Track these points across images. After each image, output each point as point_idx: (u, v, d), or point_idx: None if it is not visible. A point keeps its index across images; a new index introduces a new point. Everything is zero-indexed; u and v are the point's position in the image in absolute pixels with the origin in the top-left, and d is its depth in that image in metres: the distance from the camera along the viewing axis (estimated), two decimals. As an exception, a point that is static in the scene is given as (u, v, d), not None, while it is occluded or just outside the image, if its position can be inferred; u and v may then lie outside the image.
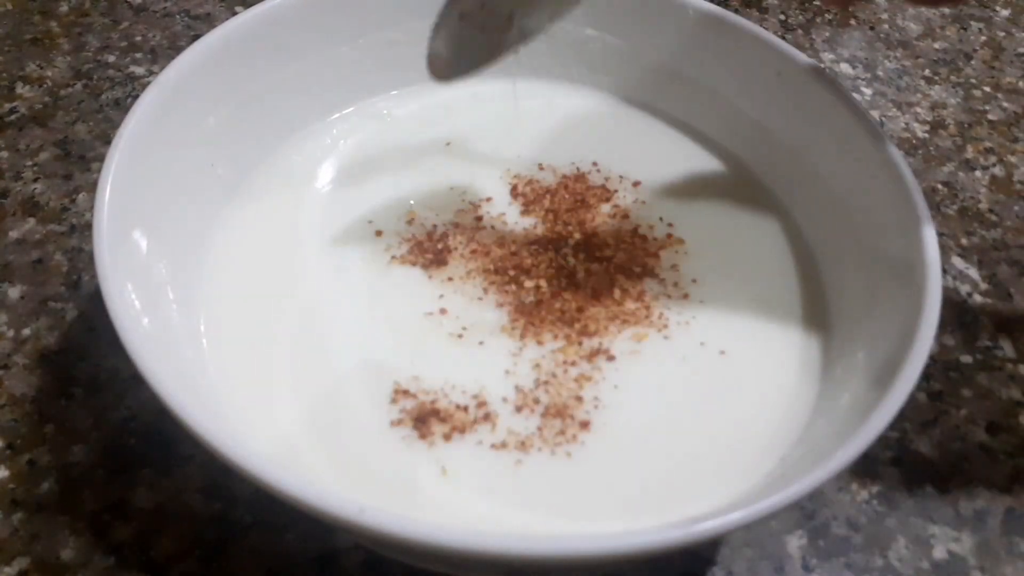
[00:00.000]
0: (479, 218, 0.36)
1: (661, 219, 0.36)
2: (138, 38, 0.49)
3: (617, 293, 0.33)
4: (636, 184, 0.37)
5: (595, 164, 0.38)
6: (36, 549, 0.30)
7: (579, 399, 0.30)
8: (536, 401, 0.30)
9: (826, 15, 0.55)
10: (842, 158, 0.35)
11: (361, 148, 0.38)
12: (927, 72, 0.52)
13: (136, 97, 0.31)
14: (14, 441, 0.33)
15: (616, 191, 0.37)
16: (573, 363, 0.31)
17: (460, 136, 0.39)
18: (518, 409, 0.29)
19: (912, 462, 0.35)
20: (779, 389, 0.31)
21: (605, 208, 0.36)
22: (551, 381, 0.30)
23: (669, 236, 0.36)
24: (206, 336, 0.31)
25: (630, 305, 0.33)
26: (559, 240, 0.35)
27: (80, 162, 0.43)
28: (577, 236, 0.35)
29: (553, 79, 0.41)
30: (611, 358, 0.31)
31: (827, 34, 0.54)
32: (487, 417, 0.29)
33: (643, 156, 0.39)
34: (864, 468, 0.34)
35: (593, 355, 0.31)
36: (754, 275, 0.34)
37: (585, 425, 0.29)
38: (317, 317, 0.32)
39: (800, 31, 0.54)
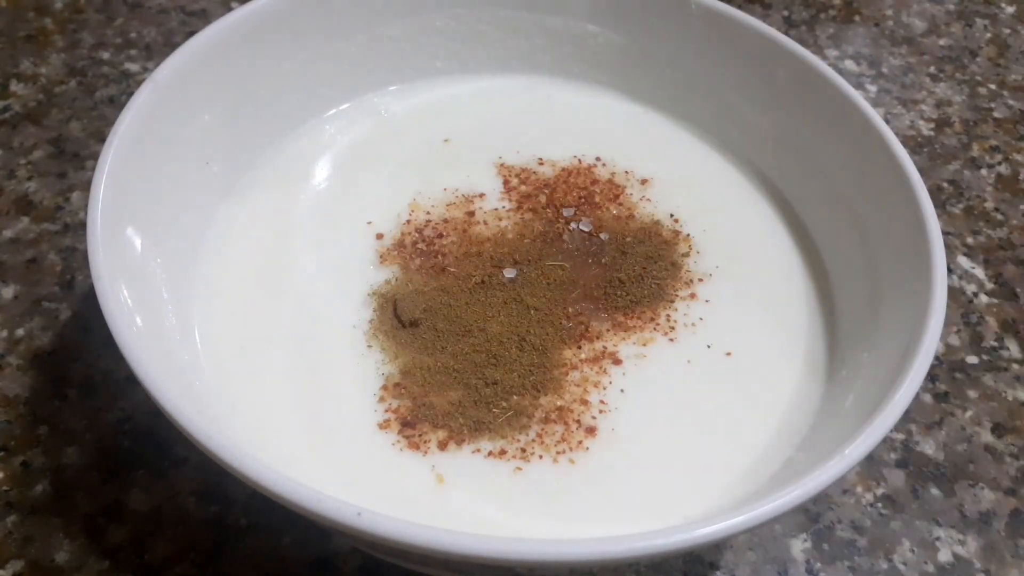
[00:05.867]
0: (476, 215, 0.35)
1: (672, 215, 0.36)
2: (133, 35, 0.49)
3: (621, 293, 0.32)
4: (644, 181, 0.37)
5: (599, 159, 0.38)
6: (30, 552, 0.30)
7: (585, 403, 0.29)
8: (535, 405, 0.29)
9: (830, 11, 0.55)
10: (847, 156, 0.34)
11: (357, 145, 0.38)
12: (932, 69, 0.51)
13: (131, 94, 0.31)
14: (8, 443, 0.32)
15: (624, 187, 0.37)
16: (575, 366, 0.30)
17: (458, 133, 0.39)
18: (516, 414, 0.29)
19: (917, 464, 0.34)
20: (784, 391, 0.30)
21: (610, 204, 0.36)
22: (548, 384, 0.30)
23: (676, 233, 0.35)
24: (200, 336, 0.30)
25: (635, 308, 0.32)
26: (560, 237, 0.34)
27: (74, 160, 0.42)
28: (580, 233, 0.35)
29: (553, 75, 0.41)
30: (617, 362, 0.31)
31: (831, 31, 0.53)
32: (482, 423, 0.29)
33: (649, 152, 0.38)
34: (869, 470, 0.34)
35: (598, 358, 0.31)
36: (760, 274, 0.34)
37: (591, 431, 0.29)
38: (311, 316, 0.32)
39: (804, 27, 0.53)
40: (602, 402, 0.30)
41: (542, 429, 0.29)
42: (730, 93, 0.38)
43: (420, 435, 0.28)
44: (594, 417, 0.29)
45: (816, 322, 0.33)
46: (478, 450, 0.28)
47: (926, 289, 0.28)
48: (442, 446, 0.28)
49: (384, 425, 0.29)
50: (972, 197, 0.44)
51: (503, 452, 0.28)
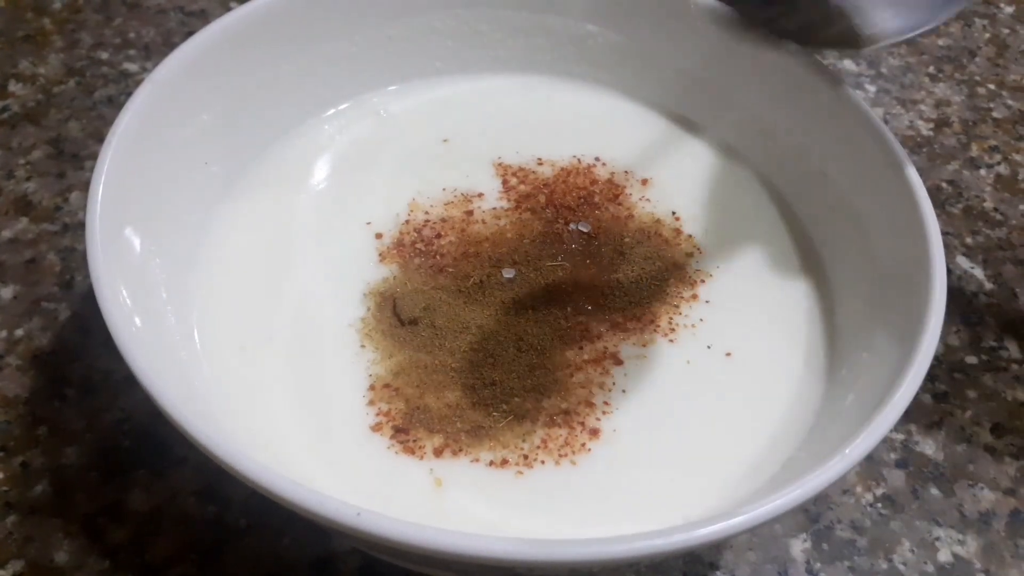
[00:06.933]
0: (475, 215, 0.35)
1: (673, 213, 0.36)
2: (131, 35, 0.49)
3: (620, 294, 0.32)
4: (644, 182, 0.37)
5: (598, 159, 0.38)
6: (30, 552, 0.30)
7: (590, 405, 0.29)
8: (538, 408, 0.29)
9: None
10: (846, 156, 0.34)
11: (357, 145, 0.38)
12: (931, 69, 0.51)
13: (129, 94, 0.31)
14: (7, 443, 0.32)
15: (624, 187, 0.37)
16: (579, 367, 0.30)
17: (457, 133, 0.39)
18: (517, 418, 0.29)
19: (917, 464, 0.34)
20: (784, 391, 0.30)
21: (610, 204, 0.36)
22: (552, 385, 0.30)
23: (677, 233, 0.35)
24: (200, 336, 0.30)
25: (634, 308, 0.32)
26: (559, 237, 0.34)
27: (73, 160, 0.42)
28: (580, 233, 0.35)
29: (553, 75, 0.41)
30: (619, 362, 0.31)
31: (830, 30, 0.53)
32: (481, 428, 0.28)
33: (649, 153, 0.38)
34: (869, 470, 0.34)
35: (600, 359, 0.31)
36: (759, 274, 0.34)
37: (595, 433, 0.29)
38: (310, 316, 0.32)
39: (802, 27, 0.53)
40: (606, 403, 0.30)
41: (546, 434, 0.28)
42: (730, 93, 0.38)
43: (414, 440, 0.28)
44: (598, 419, 0.29)
45: (816, 322, 0.33)
46: (477, 460, 0.28)
47: (925, 289, 0.28)
48: (438, 453, 0.28)
49: (376, 428, 0.28)
50: (971, 197, 0.44)
51: (505, 462, 0.28)
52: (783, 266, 0.35)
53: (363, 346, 0.31)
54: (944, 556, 0.32)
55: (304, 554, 0.30)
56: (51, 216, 0.40)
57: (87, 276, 0.27)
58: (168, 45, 0.48)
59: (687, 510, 0.27)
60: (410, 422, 0.29)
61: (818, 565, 0.31)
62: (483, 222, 0.35)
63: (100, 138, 0.43)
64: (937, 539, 0.32)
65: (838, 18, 0.25)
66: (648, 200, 0.36)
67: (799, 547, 0.32)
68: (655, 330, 0.32)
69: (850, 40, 0.24)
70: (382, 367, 0.30)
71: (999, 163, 0.46)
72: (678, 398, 0.30)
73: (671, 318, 0.32)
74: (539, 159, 0.38)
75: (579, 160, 0.38)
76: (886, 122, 0.48)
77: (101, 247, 0.27)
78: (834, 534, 0.32)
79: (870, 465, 0.34)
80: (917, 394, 0.25)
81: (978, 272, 0.41)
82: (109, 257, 0.27)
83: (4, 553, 0.30)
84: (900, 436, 0.35)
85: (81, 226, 0.39)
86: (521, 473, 0.28)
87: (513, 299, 0.32)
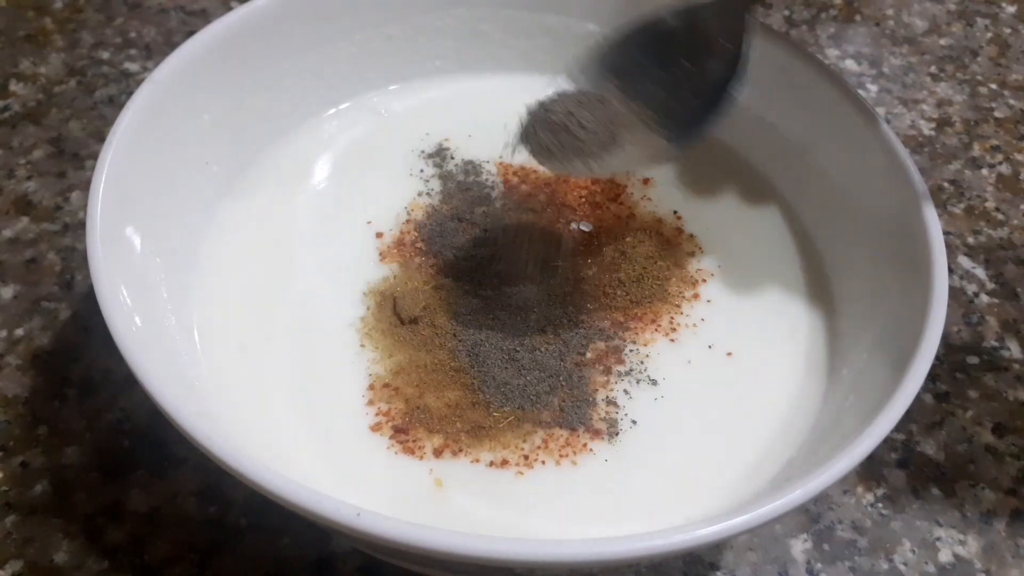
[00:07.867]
0: (475, 215, 0.35)
1: (674, 212, 0.36)
2: (132, 34, 0.49)
3: (621, 293, 0.32)
4: (645, 181, 0.37)
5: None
6: (29, 552, 0.30)
7: (592, 405, 0.29)
8: (538, 409, 0.29)
9: (831, 11, 0.54)
10: (847, 156, 0.34)
11: (357, 144, 0.38)
12: (933, 69, 0.51)
13: (130, 94, 0.31)
14: (7, 443, 0.32)
15: (625, 186, 0.37)
16: (580, 368, 0.30)
17: (458, 132, 0.39)
18: (518, 418, 0.29)
19: (918, 464, 0.34)
20: (785, 391, 0.30)
21: (611, 203, 0.36)
22: (554, 387, 0.30)
23: (679, 231, 0.35)
24: (200, 336, 0.30)
25: (635, 308, 0.32)
26: (559, 237, 0.34)
27: (74, 160, 0.42)
28: (581, 232, 0.35)
29: (554, 75, 0.41)
30: (620, 362, 0.31)
31: (832, 30, 0.53)
32: (481, 428, 0.28)
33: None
34: (870, 470, 0.34)
35: (601, 359, 0.31)
36: (760, 274, 0.34)
37: (597, 433, 0.29)
38: (311, 316, 0.32)
39: (805, 27, 0.53)
40: (607, 403, 0.30)
41: (547, 434, 0.28)
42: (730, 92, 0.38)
43: (414, 440, 0.28)
44: (601, 419, 0.29)
45: (816, 322, 0.32)
46: (477, 460, 0.28)
47: (927, 289, 0.28)
48: (438, 453, 0.28)
49: (376, 428, 0.28)
50: (973, 197, 0.44)
51: (505, 462, 0.28)
52: (784, 266, 0.34)
53: (363, 345, 0.31)
54: (945, 556, 0.32)
55: (304, 554, 0.30)
56: (51, 216, 0.40)
57: (87, 276, 0.27)
58: (169, 45, 0.48)
59: (687, 510, 0.27)
60: (410, 422, 0.29)
61: (819, 565, 0.31)
62: (484, 224, 0.35)
63: (101, 138, 0.43)
64: (938, 539, 0.32)
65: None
66: (649, 199, 0.36)
67: (800, 547, 0.32)
68: (656, 329, 0.32)
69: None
70: (382, 366, 0.30)
71: (1001, 163, 0.46)
72: (679, 398, 0.30)
73: (672, 317, 0.32)
74: (540, 159, 0.38)
75: (580, 159, 0.38)
76: (888, 121, 0.47)
77: (101, 247, 0.27)
78: (835, 534, 0.32)
79: (871, 465, 0.34)
80: (918, 394, 0.25)
81: (979, 272, 0.41)
82: (109, 257, 0.27)
83: (3, 553, 0.30)
84: (901, 436, 0.35)
85: (81, 226, 0.38)
86: (521, 473, 0.28)
87: (513, 302, 0.32)
